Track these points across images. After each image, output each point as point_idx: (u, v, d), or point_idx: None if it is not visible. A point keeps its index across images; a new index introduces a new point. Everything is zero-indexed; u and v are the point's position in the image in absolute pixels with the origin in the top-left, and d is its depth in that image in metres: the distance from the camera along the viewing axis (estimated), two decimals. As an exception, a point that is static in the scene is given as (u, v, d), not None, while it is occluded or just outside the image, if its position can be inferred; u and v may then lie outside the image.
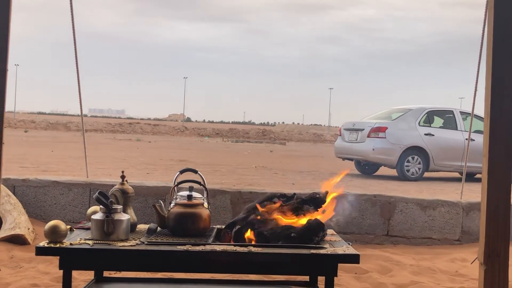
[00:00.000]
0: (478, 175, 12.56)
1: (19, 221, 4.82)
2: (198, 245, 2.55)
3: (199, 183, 2.96)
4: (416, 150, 12.78)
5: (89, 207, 3.41)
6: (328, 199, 2.94)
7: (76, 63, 6.22)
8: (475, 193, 8.29)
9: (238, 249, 2.54)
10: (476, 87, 6.12)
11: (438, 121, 13.67)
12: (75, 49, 6.23)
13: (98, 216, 2.62)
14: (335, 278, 2.59)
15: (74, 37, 6.16)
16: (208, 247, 2.53)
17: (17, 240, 4.67)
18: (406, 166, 12.71)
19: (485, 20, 5.49)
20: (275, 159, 18.98)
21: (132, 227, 2.80)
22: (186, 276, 3.47)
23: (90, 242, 2.55)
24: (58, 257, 2.55)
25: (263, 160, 18.27)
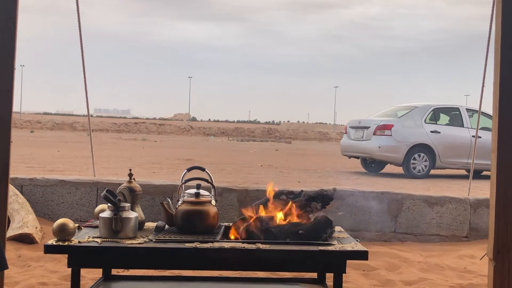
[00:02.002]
0: (485, 172, 12.51)
1: (26, 220, 4.83)
2: (206, 242, 2.55)
3: (206, 180, 2.96)
4: (423, 148, 12.74)
5: (97, 206, 3.41)
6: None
7: (83, 64, 6.23)
8: (482, 190, 8.26)
9: (246, 246, 2.53)
10: (483, 83, 6.10)
11: (444, 118, 13.63)
12: (82, 50, 6.23)
13: (106, 214, 2.62)
14: (343, 275, 2.59)
15: (81, 38, 6.17)
16: (216, 244, 2.53)
17: (25, 239, 4.69)
18: (412, 163, 12.67)
19: (492, 15, 5.47)
20: (280, 158, 18.97)
21: (140, 225, 2.80)
22: (194, 274, 3.47)
23: (98, 240, 2.56)
24: (66, 256, 2.55)
25: (269, 158, 18.26)
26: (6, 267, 2.25)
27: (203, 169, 3.10)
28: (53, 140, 26.51)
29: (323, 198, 2.95)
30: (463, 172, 13.36)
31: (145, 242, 2.56)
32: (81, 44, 6.23)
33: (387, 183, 10.76)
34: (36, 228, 4.85)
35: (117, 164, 13.07)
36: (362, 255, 2.54)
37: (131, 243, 2.52)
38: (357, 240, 2.72)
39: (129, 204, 2.71)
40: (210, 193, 2.88)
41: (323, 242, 2.61)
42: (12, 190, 5.13)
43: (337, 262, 2.55)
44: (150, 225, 2.96)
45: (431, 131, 12.86)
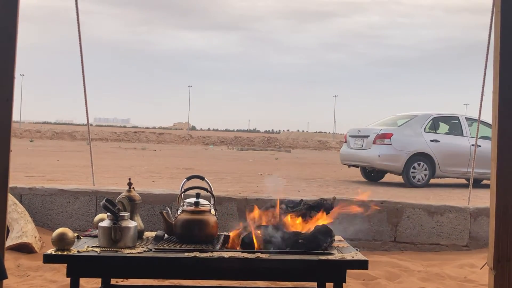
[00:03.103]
0: (485, 181, 12.49)
1: (26, 230, 4.82)
2: (206, 251, 2.54)
3: (206, 189, 2.95)
4: (422, 157, 12.73)
5: (96, 215, 3.41)
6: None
7: (83, 73, 6.24)
8: (482, 199, 8.24)
9: (246, 255, 2.52)
10: (482, 92, 6.10)
11: (443, 127, 13.63)
12: (81, 59, 6.24)
13: (105, 223, 2.61)
14: (343, 284, 2.58)
15: (81, 47, 6.18)
16: (215, 254, 2.52)
17: (24, 249, 4.67)
18: (412, 172, 12.66)
19: (491, 24, 5.48)
20: (280, 167, 18.95)
21: (139, 234, 2.79)
22: (193, 283, 3.46)
23: (97, 249, 2.55)
24: (66, 265, 2.54)
25: (269, 167, 18.24)
26: (5, 277, 2.24)
27: (202, 178, 3.10)
28: (52, 149, 26.50)
29: (323, 207, 2.94)
30: (463, 181, 13.35)
31: (144, 251, 2.55)
32: (81, 53, 6.24)
33: (387, 192, 10.74)
34: (35, 237, 4.83)
35: (116, 173, 13.05)
36: (362, 265, 2.53)
37: (130, 253, 2.51)
38: (357, 249, 2.71)
39: (129, 213, 2.70)
40: (210, 202, 2.87)
41: (323, 251, 2.60)
42: (11, 199, 5.12)
43: (337, 272, 2.54)
44: (149, 234, 2.95)
45: (431, 140, 12.86)
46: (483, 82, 6.07)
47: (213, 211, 2.82)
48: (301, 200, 3.00)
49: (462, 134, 13.16)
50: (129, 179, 2.94)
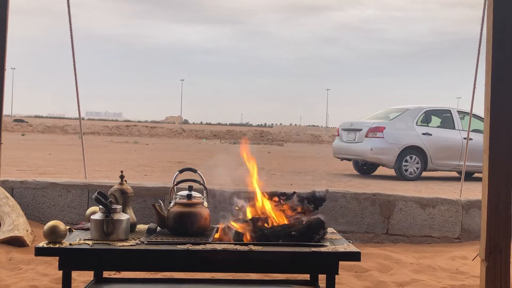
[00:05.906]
0: (476, 174, 12.56)
1: (17, 223, 4.80)
2: (199, 244, 2.54)
3: (198, 182, 2.95)
4: (414, 150, 12.77)
5: (88, 208, 3.39)
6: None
7: (74, 67, 6.20)
8: (473, 192, 8.29)
9: (239, 247, 2.52)
10: (474, 85, 6.11)
11: (435, 120, 13.67)
12: (73, 53, 6.20)
13: (98, 216, 2.60)
14: (336, 276, 2.58)
15: (72, 41, 6.14)
16: (208, 246, 2.52)
17: (15, 242, 4.65)
18: (404, 165, 12.71)
19: (483, 17, 5.50)
20: (273, 160, 18.96)
21: (132, 227, 2.79)
22: (186, 276, 3.46)
23: (89, 242, 2.54)
24: (58, 258, 2.53)
25: (261, 161, 18.22)
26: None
27: (195, 171, 3.09)
28: (44, 143, 26.39)
29: (315, 200, 2.95)
30: (455, 174, 13.41)
31: (136, 244, 2.54)
32: (72, 47, 6.20)
33: (379, 185, 10.77)
34: (27, 231, 4.82)
35: (108, 167, 13.02)
36: (354, 256, 2.54)
37: (122, 245, 2.50)
38: (349, 242, 2.72)
39: (121, 206, 2.70)
40: (202, 195, 2.87)
41: (315, 243, 2.60)
42: (2, 192, 5.10)
43: (329, 263, 2.54)
44: (142, 227, 2.95)
45: (423, 133, 12.90)
46: (475, 76, 6.08)
47: (206, 203, 2.81)
48: (294, 192, 3.00)
49: (454, 128, 13.21)
50: (121, 171, 2.93)
